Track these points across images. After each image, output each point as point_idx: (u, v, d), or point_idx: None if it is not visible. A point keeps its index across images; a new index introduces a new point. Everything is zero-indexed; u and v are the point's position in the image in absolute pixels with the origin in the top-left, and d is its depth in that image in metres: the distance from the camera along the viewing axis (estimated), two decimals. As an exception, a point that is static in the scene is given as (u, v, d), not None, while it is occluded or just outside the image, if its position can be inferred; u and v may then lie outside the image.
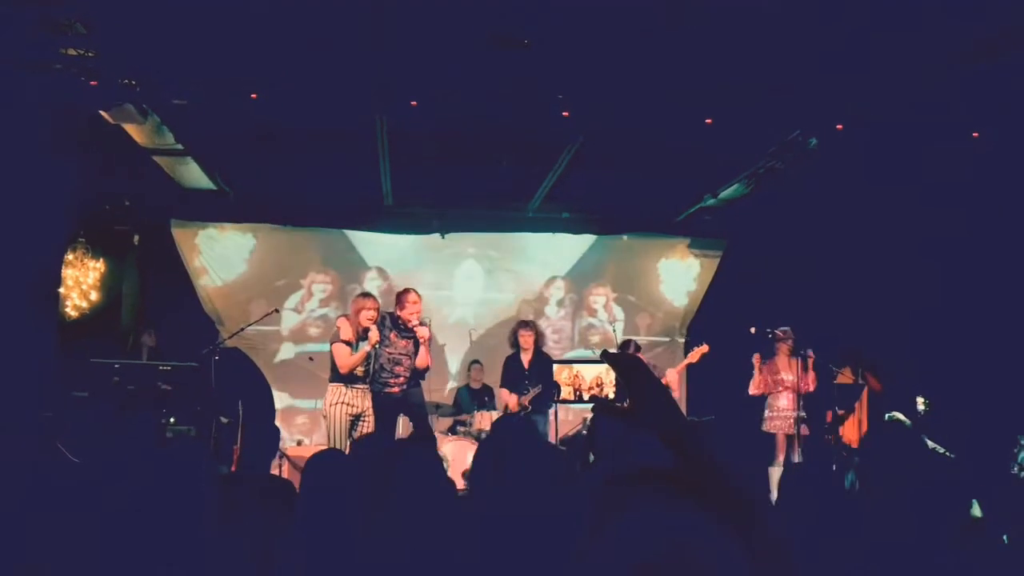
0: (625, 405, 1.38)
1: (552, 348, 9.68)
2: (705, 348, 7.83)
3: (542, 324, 9.11)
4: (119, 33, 5.31)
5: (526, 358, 7.74)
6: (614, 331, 9.02)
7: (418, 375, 6.83)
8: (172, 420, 7.95)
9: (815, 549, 2.17)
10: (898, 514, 2.43)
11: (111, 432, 6.55)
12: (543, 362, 7.69)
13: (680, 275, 10.38)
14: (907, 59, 5.28)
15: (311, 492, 3.06)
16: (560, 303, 10.30)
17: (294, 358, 9.72)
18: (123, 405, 7.17)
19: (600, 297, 10.32)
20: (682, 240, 10.25)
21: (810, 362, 7.74)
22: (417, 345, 6.71)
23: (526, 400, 7.50)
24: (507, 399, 7.76)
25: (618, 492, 1.31)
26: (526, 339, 7.76)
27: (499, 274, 10.20)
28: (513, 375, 7.78)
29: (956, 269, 7.78)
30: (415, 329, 6.63)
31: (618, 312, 10.30)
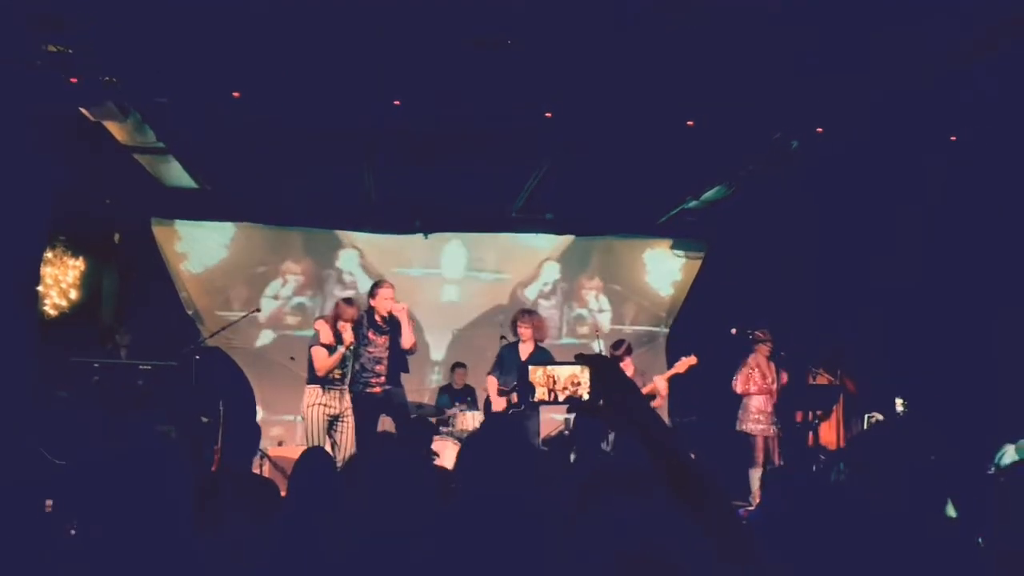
0: (600, 405, 1.41)
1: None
2: (693, 360, 7.79)
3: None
4: (100, 30, 5.27)
5: (525, 351, 7.46)
6: (599, 347, 8.61)
7: (399, 370, 6.81)
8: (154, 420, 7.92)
9: (801, 550, 2.20)
10: (881, 514, 2.46)
11: (102, 433, 6.52)
12: (542, 358, 7.38)
13: (665, 265, 10.43)
14: (887, 60, 5.34)
15: (299, 492, 3.06)
16: (551, 291, 10.27)
17: (271, 344, 9.73)
18: (106, 405, 7.13)
19: (591, 290, 10.33)
20: (664, 241, 10.31)
21: (780, 360, 7.80)
22: (395, 341, 6.71)
23: (516, 398, 7.27)
24: (492, 389, 7.46)
25: (595, 489, 1.33)
26: (524, 330, 7.48)
27: (486, 253, 10.18)
28: (507, 367, 7.47)
29: (935, 270, 7.86)
30: (392, 311, 6.63)
31: (604, 302, 10.30)
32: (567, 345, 10.01)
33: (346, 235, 10.00)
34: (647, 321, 10.40)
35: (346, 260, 9.94)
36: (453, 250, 10.11)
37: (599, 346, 8.54)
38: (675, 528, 1.11)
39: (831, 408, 8.19)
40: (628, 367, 7.49)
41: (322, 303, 9.71)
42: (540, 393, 1.78)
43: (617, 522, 1.13)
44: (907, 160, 6.91)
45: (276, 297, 9.83)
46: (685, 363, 7.79)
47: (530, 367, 1.80)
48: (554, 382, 1.79)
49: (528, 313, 7.69)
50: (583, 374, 1.60)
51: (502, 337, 8.44)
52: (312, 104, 6.39)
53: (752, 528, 1.28)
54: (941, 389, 7.61)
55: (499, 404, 7.41)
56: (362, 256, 9.90)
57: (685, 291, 10.34)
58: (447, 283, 10.07)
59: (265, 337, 9.81)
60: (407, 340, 6.69)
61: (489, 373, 7.63)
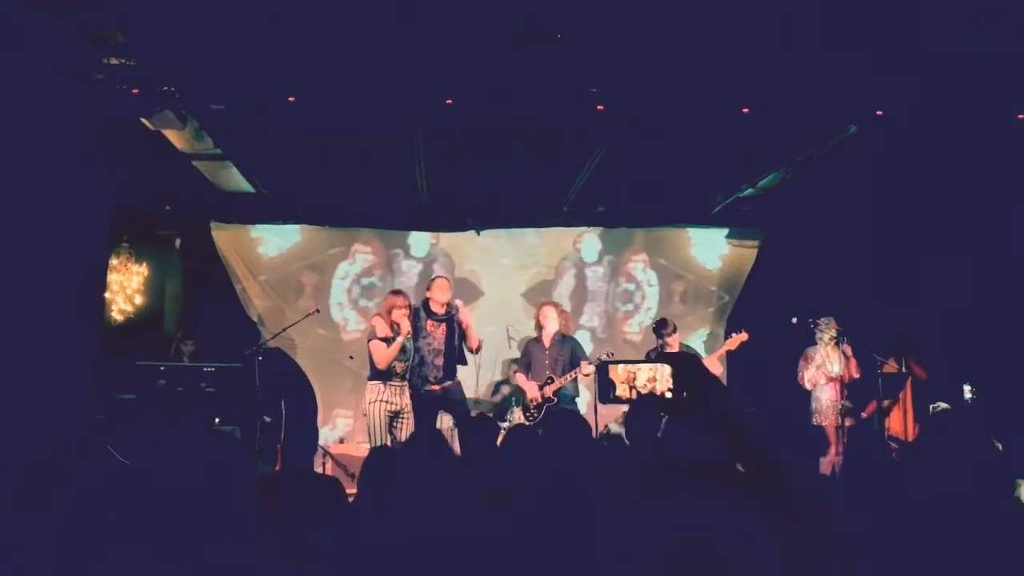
0: (682, 401, 1.39)
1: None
2: (744, 336, 7.66)
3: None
4: (158, 41, 5.39)
5: (547, 339, 7.42)
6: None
7: (456, 363, 6.85)
8: (217, 420, 8.08)
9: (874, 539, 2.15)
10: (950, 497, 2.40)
11: (167, 435, 6.67)
12: (568, 346, 7.34)
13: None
14: (948, 39, 5.17)
15: (368, 493, 3.08)
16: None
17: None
18: (170, 407, 7.30)
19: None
20: (719, 231, 10.15)
21: (848, 351, 7.63)
22: (453, 333, 6.76)
23: (550, 391, 7.22)
24: (524, 386, 7.43)
25: (658, 480, 1.31)
26: (543, 317, 7.44)
27: (538, 248, 10.14)
28: (531, 360, 7.44)
29: (1002, 254, 7.62)
30: (453, 309, 6.69)
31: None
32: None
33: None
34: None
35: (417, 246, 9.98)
36: (506, 246, 10.10)
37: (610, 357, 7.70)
38: (738, 526, 1.08)
39: (898, 396, 8.00)
40: (675, 345, 7.39)
41: (392, 282, 9.78)
42: (621, 390, 1.76)
43: (673, 513, 1.10)
44: (970, 141, 6.69)
45: (345, 277, 9.93)
46: (736, 340, 7.64)
47: (610, 365, 1.77)
48: (634, 379, 1.77)
49: (544, 303, 7.71)
50: (662, 372, 1.58)
51: (510, 338, 8.45)
52: (363, 105, 6.43)
53: (851, 536, 1.25)
54: (1011, 374, 7.39)
55: (533, 394, 7.33)
56: (437, 241, 9.96)
57: (735, 266, 10.14)
58: (499, 277, 10.04)
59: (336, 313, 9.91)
60: (473, 340, 6.81)
61: (517, 371, 7.60)
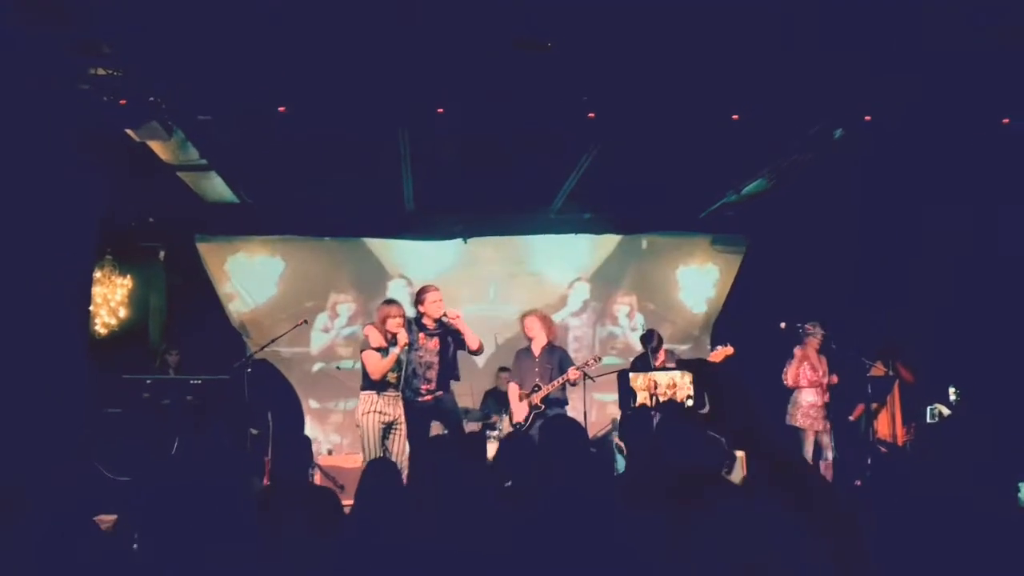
0: (705, 411, 1.38)
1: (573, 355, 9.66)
2: (729, 350, 7.62)
3: (563, 328, 8.97)
4: (144, 52, 5.35)
5: (537, 349, 7.36)
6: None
7: (450, 375, 6.80)
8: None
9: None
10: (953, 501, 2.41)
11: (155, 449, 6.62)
12: (556, 355, 7.30)
13: (699, 282, 10.35)
14: (935, 44, 5.22)
15: (366, 505, 3.06)
16: (582, 308, 10.23)
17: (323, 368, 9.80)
18: (157, 421, 7.23)
19: (624, 306, 10.27)
20: (704, 238, 10.20)
21: (830, 359, 7.68)
22: (447, 346, 6.71)
23: (537, 399, 7.14)
24: (512, 395, 7.37)
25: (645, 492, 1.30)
26: (529, 327, 7.39)
27: (523, 278, 10.14)
28: (521, 369, 7.38)
29: (986, 258, 7.70)
30: (447, 321, 6.62)
31: (639, 320, 10.21)
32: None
33: (393, 267, 10.05)
34: (681, 339, 10.26)
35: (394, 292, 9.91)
36: (493, 255, 10.09)
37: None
38: (790, 537, 1.08)
39: (885, 399, 8.05)
40: (661, 358, 7.37)
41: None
42: (641, 398, 1.75)
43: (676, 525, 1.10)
44: (956, 146, 6.76)
45: (325, 329, 9.92)
46: (721, 352, 7.57)
47: (631, 374, 1.76)
48: (655, 387, 1.76)
49: (530, 312, 7.59)
50: (682, 379, 1.57)
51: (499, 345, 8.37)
52: (349, 114, 6.41)
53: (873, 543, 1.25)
54: (997, 379, 7.46)
55: (520, 410, 7.26)
56: (410, 285, 9.83)
57: (719, 305, 10.25)
58: (490, 287, 10.03)
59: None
60: (473, 342, 6.70)
61: (510, 380, 7.54)
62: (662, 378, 6.45)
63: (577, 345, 10.06)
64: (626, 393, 6.53)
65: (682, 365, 1.58)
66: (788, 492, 1.21)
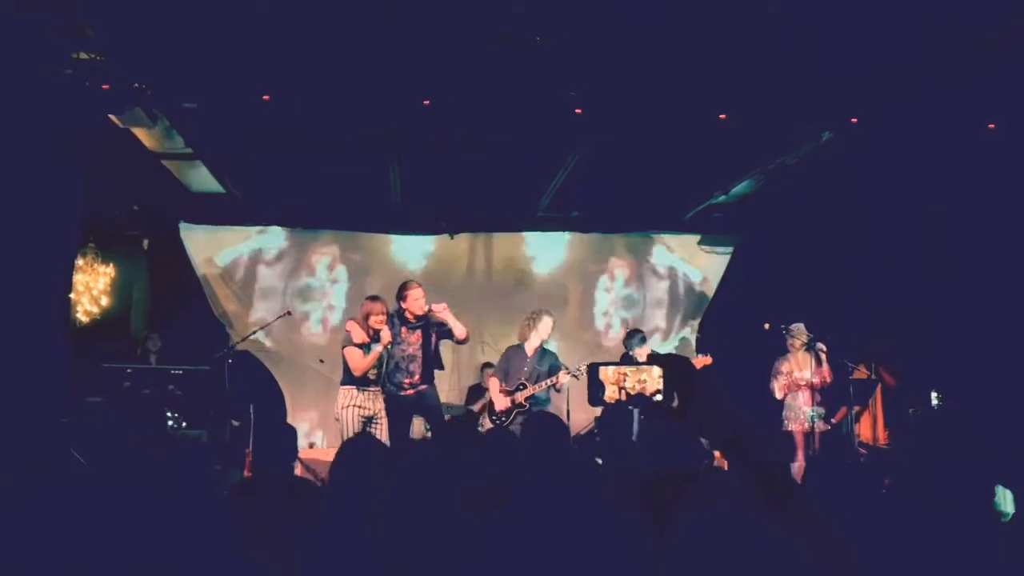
0: (674, 407, 1.36)
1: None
2: (708, 360, 7.67)
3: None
4: (129, 37, 5.29)
5: (530, 350, 7.32)
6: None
7: (433, 368, 6.78)
8: (184, 424, 7.96)
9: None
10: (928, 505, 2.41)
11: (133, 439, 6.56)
12: (547, 358, 7.30)
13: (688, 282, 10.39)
14: (922, 48, 5.24)
15: (340, 486, 3.03)
16: (570, 307, 10.22)
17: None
18: (138, 410, 7.18)
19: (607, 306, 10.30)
20: (692, 237, 10.21)
21: (823, 356, 7.68)
22: (429, 339, 6.69)
23: (521, 397, 7.13)
24: (494, 390, 7.32)
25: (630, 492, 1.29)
26: (541, 325, 7.31)
27: (512, 253, 10.14)
28: (509, 369, 7.32)
29: (971, 262, 7.73)
30: (433, 315, 6.60)
31: (619, 319, 10.22)
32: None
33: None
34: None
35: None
36: (479, 252, 10.07)
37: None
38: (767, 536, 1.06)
39: (867, 402, 8.08)
40: (643, 356, 7.37)
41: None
42: (610, 393, 1.74)
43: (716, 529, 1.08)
44: (943, 149, 6.78)
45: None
46: (700, 362, 7.63)
47: (600, 367, 1.75)
48: (624, 380, 1.75)
49: (536, 312, 7.52)
50: (652, 374, 1.56)
51: (482, 342, 8.29)
52: (337, 106, 6.37)
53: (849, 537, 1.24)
54: (979, 382, 7.49)
55: (501, 402, 7.21)
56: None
57: (706, 304, 10.26)
58: (471, 284, 10.01)
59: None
60: (459, 332, 6.68)
61: (493, 375, 7.51)
62: (631, 372, 6.45)
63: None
64: (595, 386, 6.44)
65: (653, 359, 1.59)
66: (762, 490, 1.20)
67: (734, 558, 1.06)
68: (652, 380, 1.54)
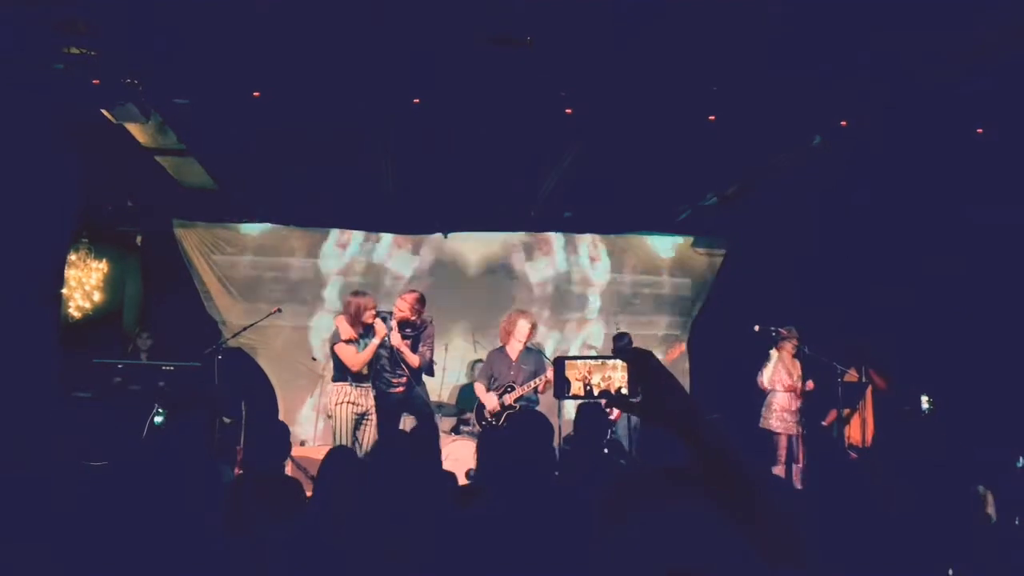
0: (637, 400, 1.37)
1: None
2: (682, 347, 7.72)
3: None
4: (122, 32, 5.29)
5: (513, 353, 7.25)
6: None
7: (419, 374, 6.78)
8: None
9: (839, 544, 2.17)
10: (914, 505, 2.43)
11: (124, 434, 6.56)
12: (532, 358, 7.24)
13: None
14: (912, 54, 5.26)
15: (325, 491, 3.05)
16: (562, 307, 10.20)
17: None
18: (128, 406, 7.17)
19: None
20: (685, 239, 10.22)
21: (799, 366, 7.74)
22: (417, 343, 6.70)
23: (510, 399, 7.09)
24: (481, 393, 7.23)
25: (638, 488, 1.30)
26: (513, 327, 7.24)
27: (507, 252, 10.13)
28: (493, 372, 7.25)
29: (961, 266, 7.76)
30: (428, 329, 6.61)
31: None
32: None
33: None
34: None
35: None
36: (473, 250, 10.07)
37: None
38: (718, 530, 1.07)
39: (857, 405, 8.10)
40: None
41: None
42: (575, 388, 1.74)
43: (662, 523, 1.09)
44: (932, 153, 6.81)
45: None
46: (675, 351, 7.67)
47: (566, 361, 1.74)
48: (590, 375, 1.74)
49: (517, 312, 7.50)
50: (618, 369, 1.56)
51: (475, 341, 8.25)
52: (331, 103, 6.37)
53: (805, 530, 1.24)
54: (969, 384, 7.52)
55: (491, 402, 7.17)
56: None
57: (698, 305, 10.21)
58: (466, 284, 10.01)
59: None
60: (412, 360, 6.70)
61: (476, 380, 7.44)
62: (597, 368, 6.42)
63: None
64: (561, 381, 6.40)
65: (619, 354, 1.59)
66: (722, 481, 1.21)
67: (687, 547, 1.07)
68: (617, 376, 1.54)
